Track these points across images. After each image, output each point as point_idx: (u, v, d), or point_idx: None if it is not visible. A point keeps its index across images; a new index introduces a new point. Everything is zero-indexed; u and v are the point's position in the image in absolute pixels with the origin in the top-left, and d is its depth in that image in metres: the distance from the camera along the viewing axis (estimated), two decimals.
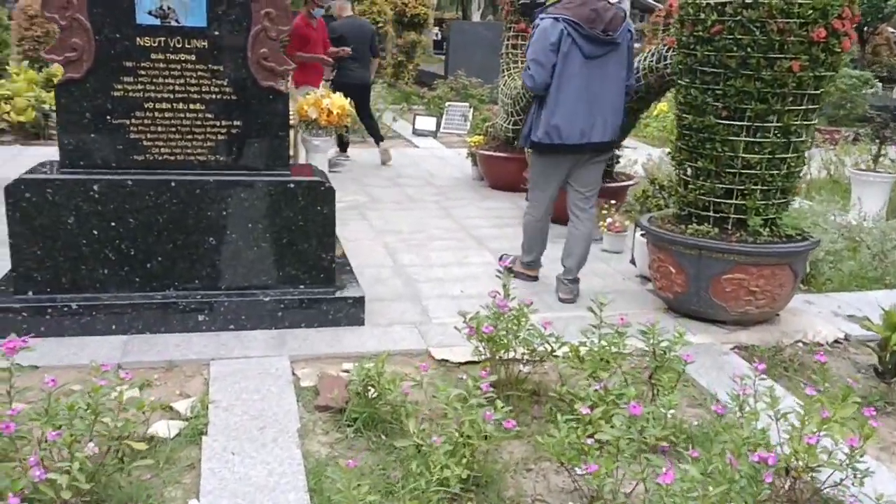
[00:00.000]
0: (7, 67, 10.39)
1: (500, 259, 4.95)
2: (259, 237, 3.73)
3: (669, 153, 4.29)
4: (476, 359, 3.32)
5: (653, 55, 5.04)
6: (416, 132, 10.92)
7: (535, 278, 4.72)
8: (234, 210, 3.68)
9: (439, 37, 25.73)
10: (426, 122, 11.05)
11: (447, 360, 3.57)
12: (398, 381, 2.91)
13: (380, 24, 16.01)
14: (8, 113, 8.53)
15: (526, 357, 3.25)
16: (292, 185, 3.73)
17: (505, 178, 7.19)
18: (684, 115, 4.04)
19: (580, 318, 4.07)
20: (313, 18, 7.78)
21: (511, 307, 3.15)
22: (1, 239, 3.85)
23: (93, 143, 3.60)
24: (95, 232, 3.54)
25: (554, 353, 3.18)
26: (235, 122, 3.74)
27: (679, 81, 4.08)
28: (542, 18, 4.18)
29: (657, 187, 5.18)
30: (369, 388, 2.98)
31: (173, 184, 3.60)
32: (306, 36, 7.66)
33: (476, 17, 25.26)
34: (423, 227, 5.93)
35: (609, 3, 4.13)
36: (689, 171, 4.11)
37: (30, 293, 3.51)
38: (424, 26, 17.50)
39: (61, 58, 3.51)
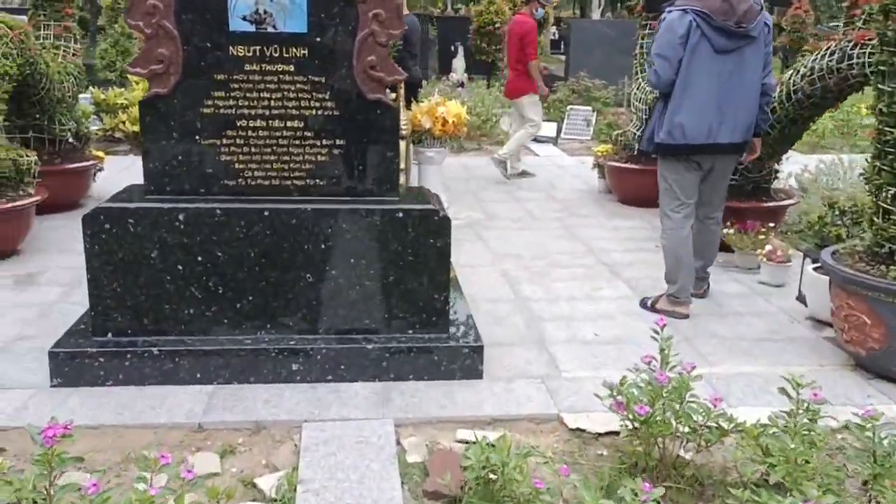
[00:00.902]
0: (129, 76, 10.49)
1: (642, 304, 4.19)
2: (362, 274, 3.22)
3: (862, 174, 3.46)
4: (620, 430, 2.68)
5: (832, 54, 4.18)
6: (535, 139, 10.21)
7: (686, 316, 3.99)
8: (334, 243, 3.18)
9: (556, 35, 24.88)
10: (546, 128, 10.33)
11: (583, 431, 2.93)
12: (525, 469, 2.32)
13: (497, 25, 15.45)
14: (124, 122, 8.51)
15: (687, 438, 2.58)
16: (401, 215, 3.20)
17: (637, 193, 6.43)
18: (887, 129, 3.21)
19: (745, 375, 3.36)
20: (534, 19, 7.48)
21: (670, 377, 2.49)
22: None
23: (180, 167, 3.19)
24: (180, 267, 3.12)
25: (727, 432, 2.51)
26: (338, 142, 3.25)
27: (880, 86, 3.25)
28: (669, 11, 3.86)
29: (837, 213, 4.31)
30: (490, 473, 2.39)
31: (266, 213, 3.14)
32: (535, 40, 7.37)
33: (595, 15, 24.22)
34: (545, 251, 5.28)
35: None
36: (891, 199, 3.28)
37: (109, 335, 3.13)
38: (544, 26, 16.79)
39: (146, 71, 3.11)
